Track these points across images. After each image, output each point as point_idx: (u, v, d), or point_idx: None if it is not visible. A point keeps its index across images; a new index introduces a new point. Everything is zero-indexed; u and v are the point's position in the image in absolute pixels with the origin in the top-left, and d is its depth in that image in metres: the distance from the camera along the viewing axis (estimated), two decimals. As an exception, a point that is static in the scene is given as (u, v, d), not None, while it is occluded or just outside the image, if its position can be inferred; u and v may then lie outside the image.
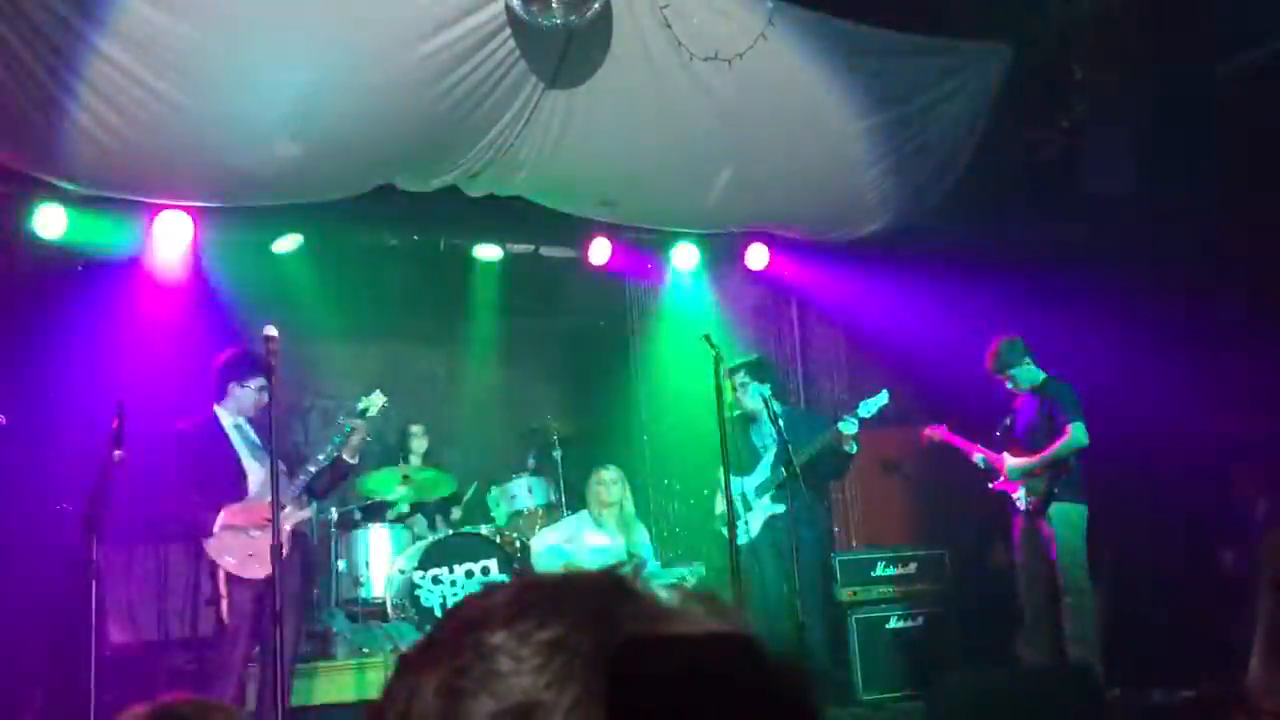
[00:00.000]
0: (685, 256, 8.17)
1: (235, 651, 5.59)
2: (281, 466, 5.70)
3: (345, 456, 5.92)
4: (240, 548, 5.59)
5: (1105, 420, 6.66)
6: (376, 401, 5.95)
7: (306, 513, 5.92)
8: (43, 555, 6.27)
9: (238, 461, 5.78)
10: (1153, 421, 6.64)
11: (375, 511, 7.81)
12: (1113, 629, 6.82)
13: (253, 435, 5.86)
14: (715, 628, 0.65)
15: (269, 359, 5.26)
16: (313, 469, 5.78)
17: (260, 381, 5.68)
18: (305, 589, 4.97)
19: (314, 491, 5.97)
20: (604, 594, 0.65)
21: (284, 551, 5.39)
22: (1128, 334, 6.84)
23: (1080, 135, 7.44)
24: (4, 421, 5.69)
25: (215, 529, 5.57)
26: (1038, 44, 7.17)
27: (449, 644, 0.65)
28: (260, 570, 5.51)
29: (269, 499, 5.50)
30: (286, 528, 5.61)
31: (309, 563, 6.81)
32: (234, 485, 5.72)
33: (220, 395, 5.85)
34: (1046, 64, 7.25)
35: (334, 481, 6.11)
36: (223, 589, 5.57)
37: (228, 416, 5.84)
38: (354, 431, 5.89)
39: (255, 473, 5.75)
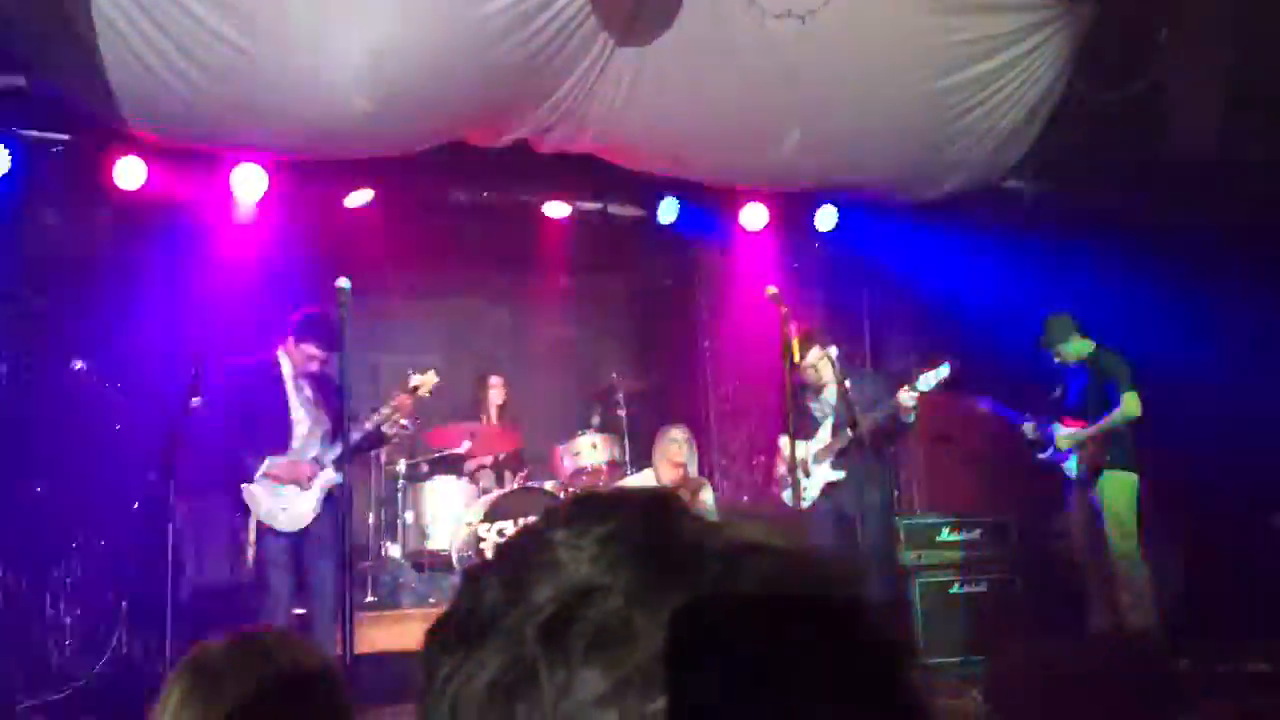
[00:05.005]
0: (754, 216, 8.11)
1: (267, 602, 5.57)
2: (326, 425, 5.79)
3: (385, 429, 6.00)
4: (273, 500, 5.64)
5: (1176, 388, 6.54)
6: (430, 381, 5.96)
7: (338, 476, 5.70)
8: (122, 500, 6.44)
9: (286, 409, 5.79)
10: (1222, 388, 6.51)
11: (443, 464, 7.91)
12: (1181, 599, 6.73)
13: (308, 390, 5.87)
14: (765, 528, 0.70)
15: (340, 311, 5.27)
16: (356, 435, 5.70)
17: (312, 350, 5.75)
18: (339, 543, 5.04)
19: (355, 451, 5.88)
20: (655, 501, 0.71)
21: (315, 514, 5.59)
22: (1202, 299, 6.70)
23: (1162, 96, 7.25)
24: (83, 367, 5.83)
25: (256, 476, 5.63)
26: (1119, 3, 6.97)
27: (512, 546, 0.71)
28: (289, 525, 5.61)
29: (310, 455, 5.62)
30: (318, 488, 5.69)
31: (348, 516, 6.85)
32: (279, 433, 5.75)
33: (286, 343, 5.89)
34: (1129, 23, 7.06)
35: (369, 449, 6.19)
36: (251, 536, 5.61)
37: (287, 365, 5.86)
38: (398, 409, 5.94)
39: (301, 424, 5.79)
